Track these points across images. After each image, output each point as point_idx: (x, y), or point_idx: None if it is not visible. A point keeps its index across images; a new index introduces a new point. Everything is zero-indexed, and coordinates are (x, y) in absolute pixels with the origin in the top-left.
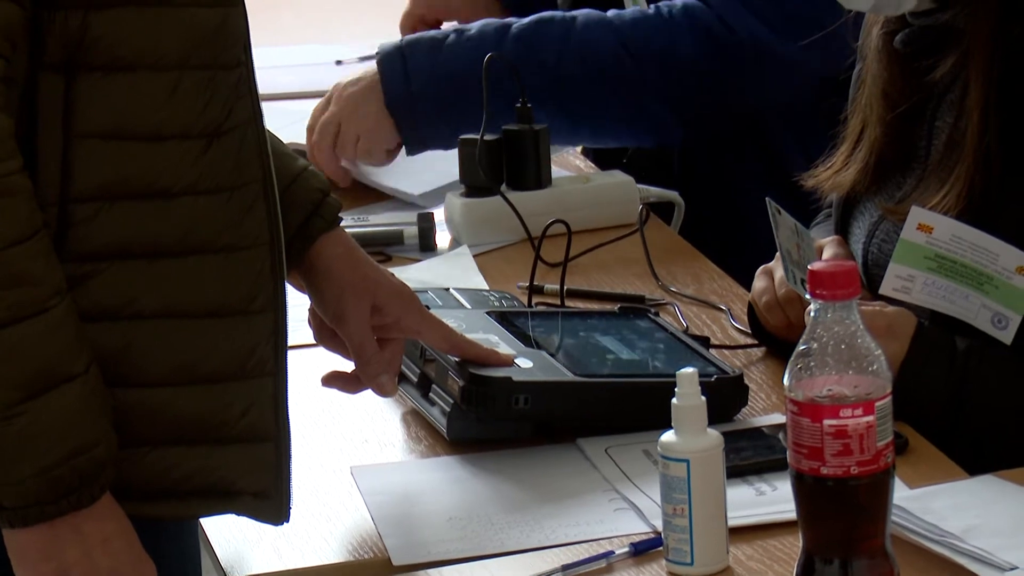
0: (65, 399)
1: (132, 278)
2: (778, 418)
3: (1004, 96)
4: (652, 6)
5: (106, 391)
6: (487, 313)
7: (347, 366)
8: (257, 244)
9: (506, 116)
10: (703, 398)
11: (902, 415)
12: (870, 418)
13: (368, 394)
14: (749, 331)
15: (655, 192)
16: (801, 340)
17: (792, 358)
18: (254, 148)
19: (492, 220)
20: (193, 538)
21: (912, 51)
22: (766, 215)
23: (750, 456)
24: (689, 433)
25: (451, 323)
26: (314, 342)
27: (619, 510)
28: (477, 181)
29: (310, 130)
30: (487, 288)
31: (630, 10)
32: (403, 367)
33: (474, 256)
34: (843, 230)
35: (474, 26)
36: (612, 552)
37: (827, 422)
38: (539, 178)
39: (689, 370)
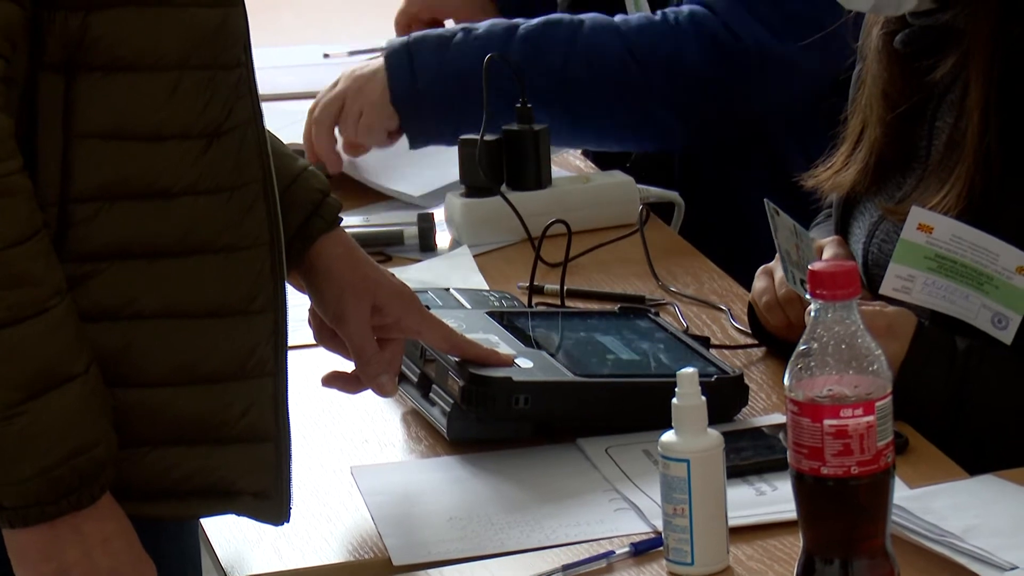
0: (65, 399)
1: (132, 278)
2: (778, 418)
3: (1004, 96)
4: (659, 13)
5: (106, 391)
6: (487, 313)
7: (347, 366)
8: (257, 244)
9: (509, 116)
10: (703, 398)
11: (902, 415)
12: (870, 418)
13: (368, 394)
14: (749, 331)
15: (655, 192)
16: (801, 340)
17: (792, 358)
18: (254, 148)
19: (492, 220)
20: (193, 538)
21: (912, 51)
22: (766, 215)
23: (750, 456)
24: (689, 433)
25: (451, 323)
26: (314, 342)
27: (619, 510)
28: (477, 181)
29: (312, 108)
30: (487, 288)
31: (636, 16)
32: (403, 367)
33: (474, 256)
34: (843, 230)
35: (482, 25)
36: (612, 552)
37: (827, 422)
38: (539, 178)
39: (689, 370)
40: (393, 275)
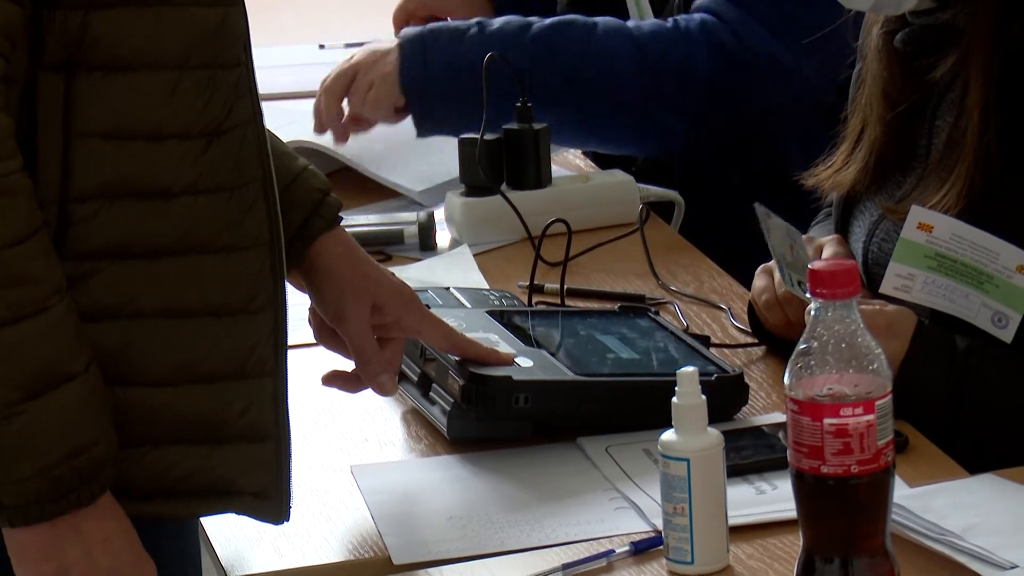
0: (65, 398)
1: (132, 277)
2: (778, 417)
3: (1004, 95)
4: (670, 20)
5: (106, 390)
6: (487, 312)
7: (347, 365)
8: (257, 244)
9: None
10: (703, 397)
11: (902, 414)
12: (870, 417)
13: (368, 393)
14: (749, 330)
15: (655, 191)
16: (801, 339)
17: (792, 357)
18: (254, 148)
19: (492, 219)
20: (193, 537)
21: (912, 50)
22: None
23: (750, 455)
24: (689, 432)
25: (451, 322)
26: (314, 341)
27: (619, 509)
28: (477, 180)
29: (325, 79)
30: (487, 287)
31: (649, 22)
32: (403, 366)
33: (474, 255)
34: (843, 229)
35: (497, 22)
36: (612, 551)
37: (827, 421)
38: (539, 177)
39: (689, 369)
40: (393, 274)
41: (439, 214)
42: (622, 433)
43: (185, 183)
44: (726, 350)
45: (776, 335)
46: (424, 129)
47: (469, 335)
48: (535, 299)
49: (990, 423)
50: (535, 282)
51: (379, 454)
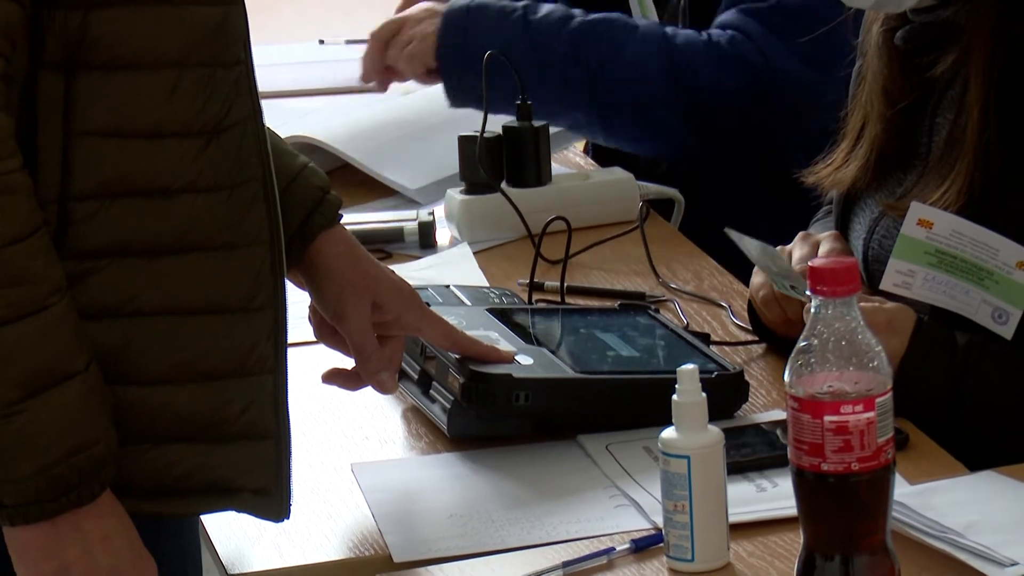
0: (65, 397)
1: (132, 276)
2: (779, 414)
3: (1004, 93)
4: (704, 33)
5: (106, 389)
6: (487, 310)
7: (348, 363)
8: (257, 242)
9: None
10: (704, 395)
11: (902, 410)
12: (871, 414)
13: (369, 391)
14: (749, 327)
15: (655, 189)
16: (801, 336)
17: (793, 354)
18: (254, 146)
19: (492, 217)
20: (193, 535)
21: (913, 48)
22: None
23: (751, 452)
24: (690, 429)
25: (451, 320)
26: (314, 339)
27: (620, 506)
28: (477, 178)
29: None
30: (487, 285)
31: (684, 33)
32: (403, 364)
33: (474, 253)
34: (843, 226)
35: (544, 8)
36: (613, 548)
37: (828, 418)
38: (539, 175)
39: (689, 367)
40: (393, 272)
41: (439, 212)
42: (622, 431)
43: (185, 181)
44: (726, 348)
45: (776, 332)
46: (454, 99)
47: (469, 333)
48: (535, 297)
49: (990, 419)
50: (535, 280)
51: (379, 452)
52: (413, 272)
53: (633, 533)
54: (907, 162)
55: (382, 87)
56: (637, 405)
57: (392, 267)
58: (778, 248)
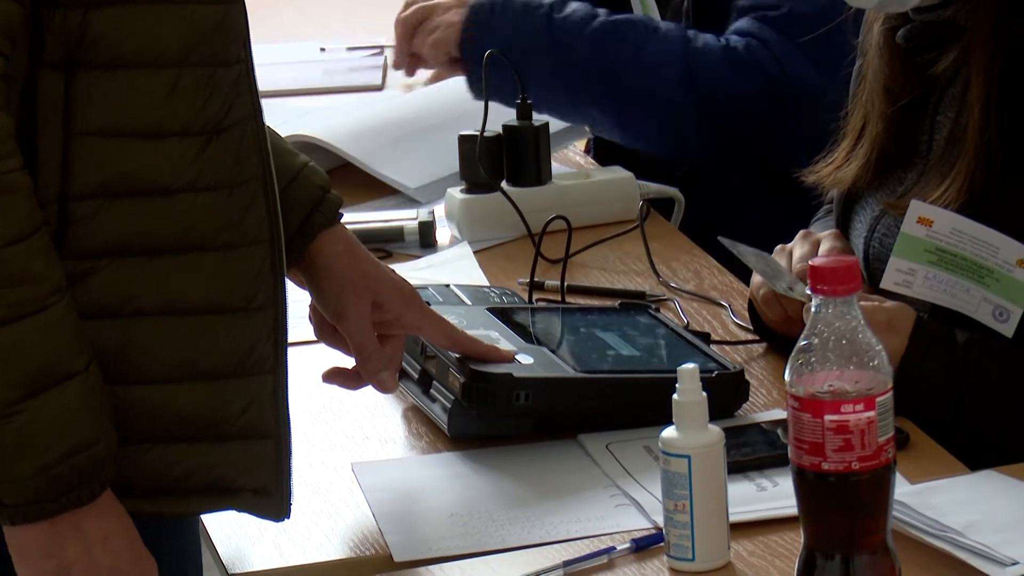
0: (65, 397)
1: (132, 275)
2: (779, 414)
3: (1005, 92)
4: (723, 39)
5: (106, 389)
6: (488, 309)
7: (348, 362)
8: (257, 241)
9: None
10: (704, 394)
11: (902, 409)
12: (871, 413)
13: (369, 390)
14: (750, 326)
15: (655, 188)
16: (802, 336)
17: (793, 354)
18: (254, 145)
19: (493, 216)
20: (194, 535)
21: (914, 46)
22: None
23: (751, 452)
24: (690, 429)
25: (452, 319)
26: (315, 338)
27: (620, 506)
28: (477, 177)
29: (403, 9)
30: (488, 284)
31: (704, 37)
32: (404, 363)
33: (475, 252)
34: (844, 225)
35: (571, 6)
36: (613, 548)
37: (828, 417)
38: (539, 174)
39: (690, 366)
40: (394, 271)
41: (439, 211)
42: (623, 430)
43: (185, 181)
44: (727, 347)
45: (777, 331)
46: (477, 92)
47: (470, 332)
48: (535, 296)
49: (990, 417)
50: (535, 279)
51: (380, 451)
52: (413, 271)
53: (634, 532)
54: (908, 160)
55: (410, 72)
56: (637, 404)
57: (392, 266)
58: (779, 247)
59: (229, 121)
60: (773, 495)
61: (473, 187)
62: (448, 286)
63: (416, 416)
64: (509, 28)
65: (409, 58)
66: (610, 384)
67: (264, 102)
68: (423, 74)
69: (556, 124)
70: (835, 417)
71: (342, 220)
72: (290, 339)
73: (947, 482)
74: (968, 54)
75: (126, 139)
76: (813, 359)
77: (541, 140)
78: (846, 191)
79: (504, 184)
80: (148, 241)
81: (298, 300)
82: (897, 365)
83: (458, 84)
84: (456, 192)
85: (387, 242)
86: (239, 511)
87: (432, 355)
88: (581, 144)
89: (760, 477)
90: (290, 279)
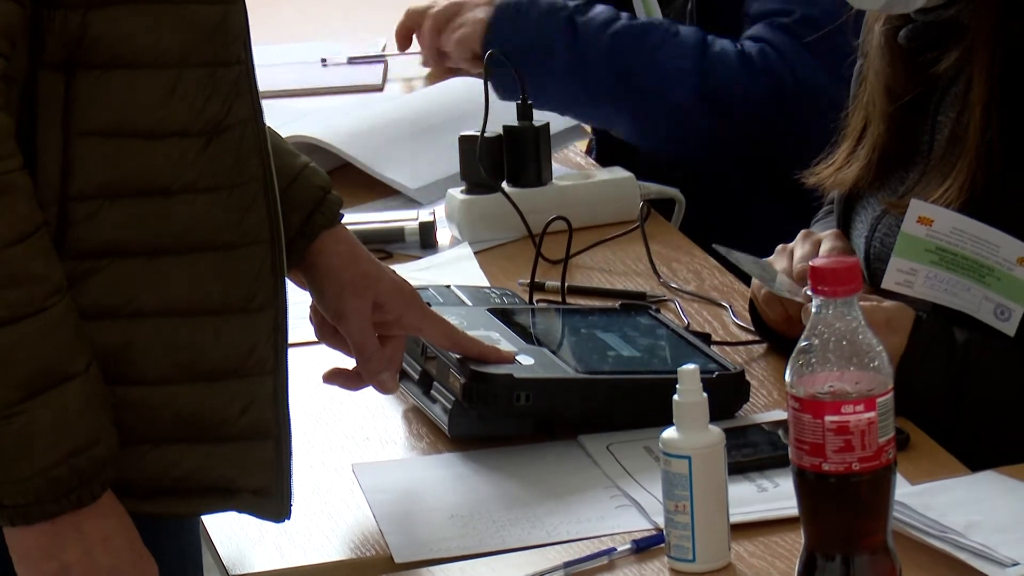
0: (65, 398)
1: (132, 276)
2: (780, 414)
3: (1006, 91)
4: (737, 44)
5: (106, 389)
6: (488, 310)
7: (348, 363)
8: (257, 242)
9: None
10: (704, 395)
11: (902, 409)
12: (872, 414)
13: (369, 391)
14: (750, 327)
15: (655, 189)
16: (802, 336)
17: (793, 354)
18: (254, 146)
19: (493, 217)
20: (194, 536)
21: (916, 46)
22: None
23: (752, 453)
24: (691, 429)
25: (452, 320)
26: (315, 339)
27: (621, 507)
28: (478, 178)
29: (432, 4)
30: (488, 285)
31: (721, 42)
32: (404, 364)
33: (475, 253)
34: (845, 225)
35: (595, 8)
36: (614, 549)
37: (829, 418)
38: (540, 175)
39: (690, 367)
40: (394, 272)
41: (440, 212)
42: (623, 431)
43: (185, 181)
44: (727, 348)
45: (777, 332)
46: (500, 92)
47: (470, 333)
48: (536, 297)
49: (990, 416)
50: (536, 280)
51: (380, 452)
52: (414, 272)
53: (634, 533)
54: (909, 160)
55: (437, 70)
56: (638, 405)
57: (393, 267)
58: (780, 247)
59: (229, 121)
60: (774, 496)
61: (473, 188)
62: (448, 287)
63: (417, 417)
64: (533, 27)
65: (437, 56)
66: (611, 385)
67: (264, 103)
68: (424, 70)
69: (557, 125)
70: (835, 418)
71: (343, 221)
72: (290, 340)
73: (947, 483)
74: (970, 54)
75: (126, 139)
76: (813, 360)
77: (541, 141)
78: (847, 191)
79: (504, 185)
80: (148, 241)
81: (298, 301)
82: (896, 365)
83: (458, 84)
84: (456, 193)
85: (387, 243)
86: (239, 512)
87: (433, 356)
88: (582, 145)
89: (761, 478)
90: (291, 280)
